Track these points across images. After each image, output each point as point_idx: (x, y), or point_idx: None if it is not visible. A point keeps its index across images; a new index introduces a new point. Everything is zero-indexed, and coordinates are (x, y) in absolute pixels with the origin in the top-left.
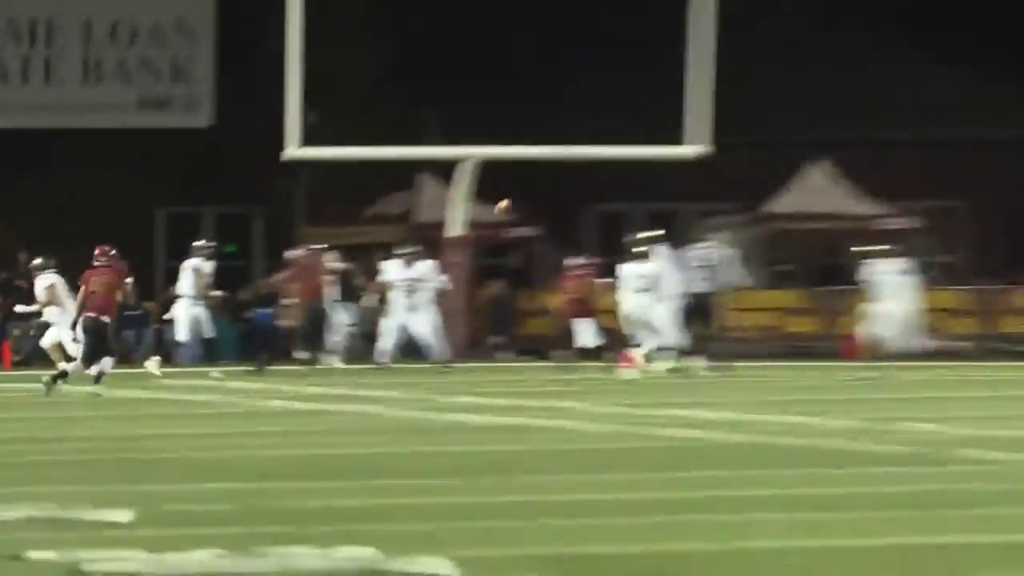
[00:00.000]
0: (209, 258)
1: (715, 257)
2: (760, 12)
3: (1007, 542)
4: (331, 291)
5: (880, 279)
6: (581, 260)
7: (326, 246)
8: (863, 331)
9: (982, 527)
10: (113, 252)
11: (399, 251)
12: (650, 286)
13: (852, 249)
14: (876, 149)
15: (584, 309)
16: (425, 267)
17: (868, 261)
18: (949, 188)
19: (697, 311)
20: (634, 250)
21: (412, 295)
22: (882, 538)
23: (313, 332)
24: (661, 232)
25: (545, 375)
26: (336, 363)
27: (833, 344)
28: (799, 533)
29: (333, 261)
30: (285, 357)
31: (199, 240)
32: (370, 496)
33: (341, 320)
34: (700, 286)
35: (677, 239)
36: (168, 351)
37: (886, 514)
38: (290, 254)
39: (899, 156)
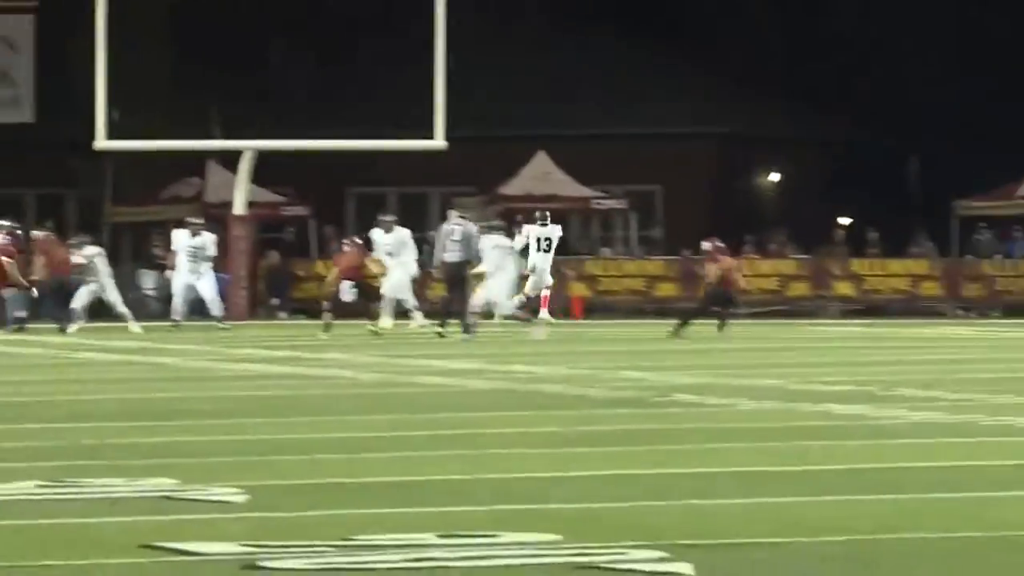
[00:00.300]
0: (10, 233)
1: (462, 232)
2: (491, 33)
3: (729, 472)
4: (77, 266)
5: (490, 251)
6: (354, 238)
7: (86, 238)
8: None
9: (705, 460)
10: (18, 231)
11: (187, 222)
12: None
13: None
14: (589, 142)
15: (356, 275)
16: (208, 237)
17: (482, 236)
18: (649, 175)
19: (451, 279)
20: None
21: (196, 261)
22: (626, 468)
23: (57, 301)
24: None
25: (315, 331)
26: (132, 324)
27: (561, 304)
28: (553, 466)
29: (83, 244)
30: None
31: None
32: (171, 434)
33: (101, 291)
34: (452, 257)
35: (428, 218)
36: None
37: (625, 448)
38: (35, 234)
39: (608, 148)
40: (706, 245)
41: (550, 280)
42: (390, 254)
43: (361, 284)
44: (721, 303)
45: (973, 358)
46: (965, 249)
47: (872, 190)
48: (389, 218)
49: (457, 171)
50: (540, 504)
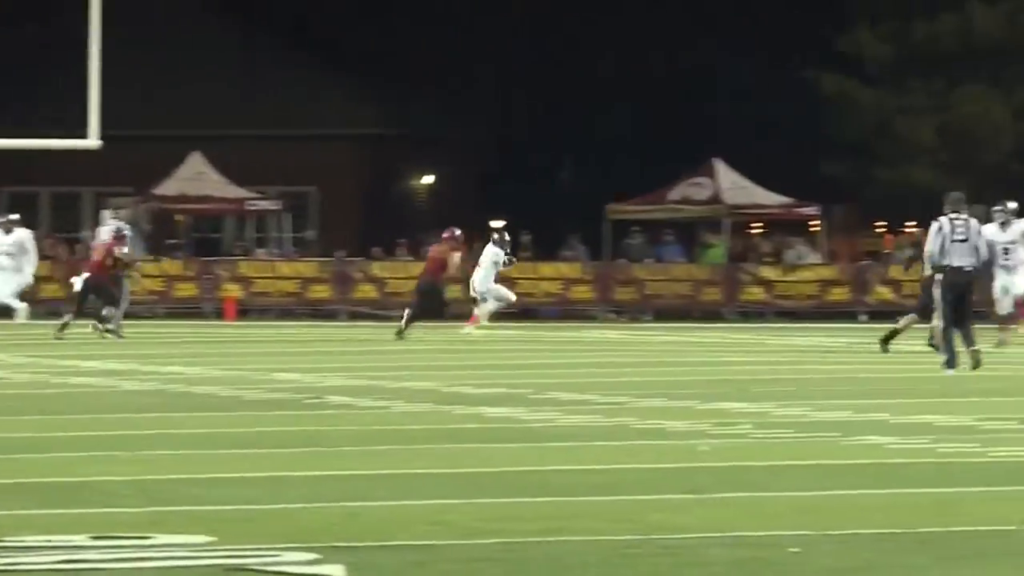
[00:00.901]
0: None
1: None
2: (148, 31)
3: (382, 474)
4: None
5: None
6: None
7: None
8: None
9: (358, 462)
10: None
11: None
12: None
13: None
14: (244, 142)
15: (101, 271)
16: None
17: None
18: (304, 177)
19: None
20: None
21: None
22: (280, 471)
23: None
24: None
25: None
26: None
27: (214, 306)
28: (207, 468)
29: None
30: None
31: None
32: None
33: None
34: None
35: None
36: None
37: (278, 450)
38: None
39: (263, 149)
40: (445, 234)
41: (481, 290)
42: (10, 255)
43: (103, 282)
44: (431, 298)
45: (624, 362)
46: (617, 253)
47: (525, 192)
48: (14, 217)
49: (112, 171)
50: (194, 506)
